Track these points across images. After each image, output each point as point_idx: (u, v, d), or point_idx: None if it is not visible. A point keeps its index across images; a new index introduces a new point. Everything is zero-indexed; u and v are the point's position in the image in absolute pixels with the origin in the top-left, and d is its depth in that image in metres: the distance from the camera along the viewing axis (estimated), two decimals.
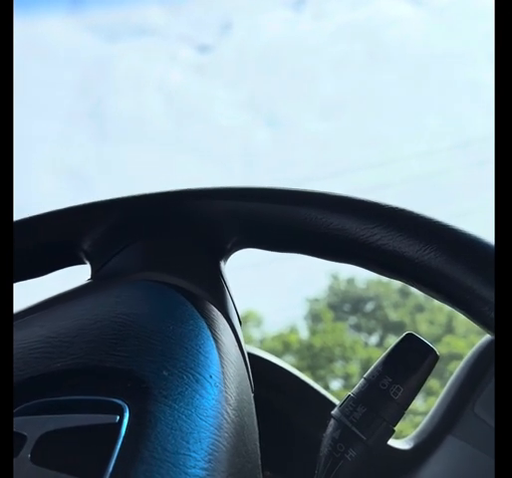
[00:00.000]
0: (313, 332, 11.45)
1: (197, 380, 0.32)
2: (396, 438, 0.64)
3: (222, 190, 0.42)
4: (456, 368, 0.64)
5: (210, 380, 0.33)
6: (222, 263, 0.43)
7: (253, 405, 0.37)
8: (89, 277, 0.44)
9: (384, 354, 0.41)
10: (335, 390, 9.93)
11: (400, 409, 0.40)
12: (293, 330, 11.54)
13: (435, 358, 0.41)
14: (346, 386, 10.17)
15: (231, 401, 0.33)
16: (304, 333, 11.62)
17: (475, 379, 0.61)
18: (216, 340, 0.36)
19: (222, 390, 0.33)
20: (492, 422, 0.61)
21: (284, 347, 10.82)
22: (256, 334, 11.25)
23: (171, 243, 0.42)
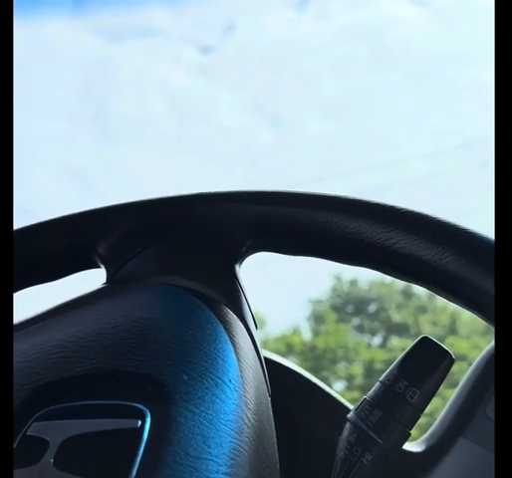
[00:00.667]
0: (316, 333, 11.44)
1: (217, 385, 0.32)
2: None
3: (237, 194, 0.42)
4: (465, 370, 0.64)
5: (230, 385, 0.33)
6: (237, 266, 0.43)
7: (271, 409, 0.37)
8: (104, 281, 0.44)
9: (400, 357, 0.41)
10: (338, 392, 9.91)
11: (417, 413, 0.40)
12: (296, 331, 11.53)
13: (451, 361, 0.41)
14: (349, 388, 10.16)
15: (251, 406, 0.33)
16: (307, 334, 11.61)
17: (487, 381, 0.61)
18: (234, 343, 0.36)
19: (242, 395, 0.33)
20: None
21: (287, 348, 10.82)
22: (259, 335, 11.24)
23: (187, 247, 0.43)
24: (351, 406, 0.60)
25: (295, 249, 0.43)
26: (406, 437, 0.41)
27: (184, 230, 0.43)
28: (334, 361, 10.82)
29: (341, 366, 10.82)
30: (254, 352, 0.39)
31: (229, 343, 0.36)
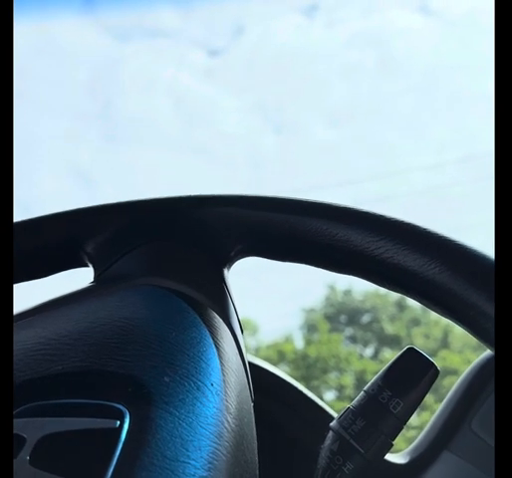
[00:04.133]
0: (308, 342, 11.43)
1: (198, 388, 0.32)
2: (391, 452, 0.64)
3: (228, 198, 0.42)
4: (454, 384, 0.63)
5: (212, 388, 0.33)
6: (226, 270, 0.43)
7: (253, 415, 0.37)
8: (91, 280, 0.44)
9: (385, 367, 0.41)
10: (328, 401, 9.91)
11: (400, 424, 0.40)
12: (288, 339, 11.52)
13: (436, 372, 0.41)
14: (339, 398, 10.14)
15: (232, 410, 0.33)
16: (299, 342, 11.60)
17: (473, 396, 0.61)
18: (218, 347, 0.36)
19: (223, 399, 0.33)
20: (489, 439, 0.60)
21: (279, 356, 10.80)
22: (251, 342, 11.23)
23: (175, 249, 0.42)
24: (335, 414, 0.60)
25: (284, 255, 0.43)
26: (389, 447, 0.41)
27: (174, 232, 0.43)
28: (325, 371, 10.81)
29: (332, 376, 10.80)
30: (238, 356, 0.38)
31: (213, 346, 0.35)
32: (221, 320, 0.39)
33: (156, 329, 0.35)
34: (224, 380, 0.34)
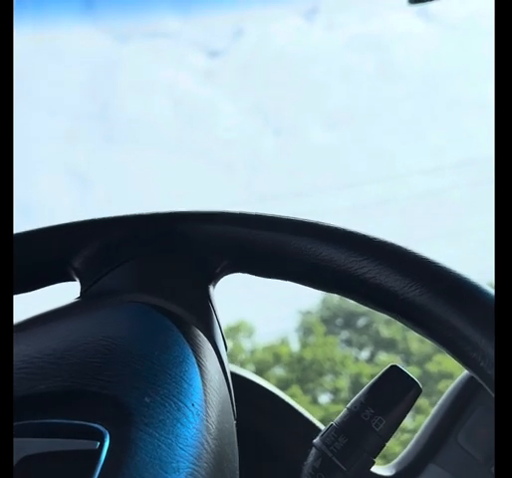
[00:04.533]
0: (304, 344, 11.43)
1: (179, 409, 0.32)
2: (385, 456, 0.64)
3: (215, 214, 0.43)
4: (441, 398, 0.64)
5: (192, 409, 0.33)
6: (211, 287, 0.43)
7: (235, 434, 0.37)
8: (77, 295, 0.44)
9: (368, 384, 0.42)
10: (323, 404, 9.90)
11: (382, 441, 0.40)
12: (284, 341, 11.51)
13: (418, 391, 0.41)
14: (334, 401, 10.13)
15: (212, 431, 0.33)
16: (295, 345, 11.60)
17: (459, 409, 0.61)
18: (200, 367, 0.36)
19: (204, 419, 0.33)
20: (474, 452, 0.61)
21: (274, 358, 10.80)
22: (247, 344, 11.23)
23: (161, 265, 0.43)
24: (322, 427, 0.60)
25: (269, 272, 0.43)
26: (370, 465, 0.41)
27: (160, 248, 0.43)
28: (320, 374, 10.80)
29: (327, 379, 10.80)
30: (222, 375, 0.39)
31: (196, 365, 0.36)
32: (205, 338, 0.39)
33: (140, 348, 0.35)
34: (206, 400, 0.34)
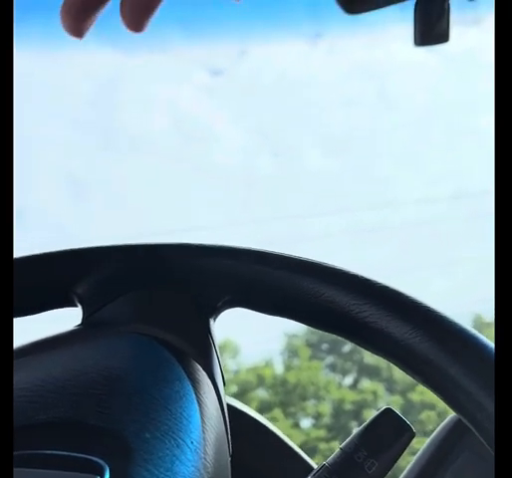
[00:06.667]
0: (288, 367, 11.38)
1: (178, 446, 0.33)
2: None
3: (220, 249, 0.43)
4: (424, 444, 0.63)
5: (191, 446, 0.33)
6: (212, 320, 0.44)
7: (229, 470, 0.37)
8: (79, 322, 0.44)
9: (362, 426, 0.42)
10: (305, 429, 9.84)
11: None
12: (268, 363, 11.46)
13: (411, 435, 0.41)
14: (316, 426, 10.07)
15: (209, 469, 0.33)
16: (279, 367, 11.55)
17: (443, 455, 0.61)
18: (200, 403, 0.36)
19: (201, 457, 0.33)
20: None
21: (258, 380, 10.74)
22: (231, 364, 11.17)
23: (164, 297, 0.43)
24: (314, 465, 0.60)
25: (271, 309, 0.44)
26: None
27: (164, 279, 0.43)
28: (303, 398, 10.74)
29: (310, 404, 10.74)
30: (219, 411, 0.39)
31: (195, 402, 0.36)
32: (205, 372, 0.40)
33: (140, 381, 0.35)
34: (204, 438, 0.34)
